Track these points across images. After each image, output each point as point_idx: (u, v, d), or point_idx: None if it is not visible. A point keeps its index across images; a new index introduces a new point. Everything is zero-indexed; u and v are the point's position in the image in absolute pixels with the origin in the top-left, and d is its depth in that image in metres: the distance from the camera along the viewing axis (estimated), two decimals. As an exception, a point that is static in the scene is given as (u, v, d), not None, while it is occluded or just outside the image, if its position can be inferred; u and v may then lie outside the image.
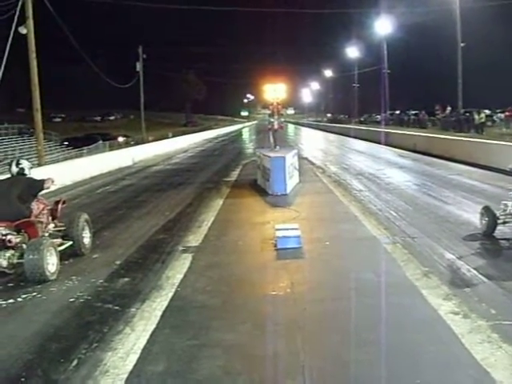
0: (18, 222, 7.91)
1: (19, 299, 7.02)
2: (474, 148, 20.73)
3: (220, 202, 13.68)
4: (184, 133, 63.35)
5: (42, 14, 23.24)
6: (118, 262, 8.60)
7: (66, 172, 20.89)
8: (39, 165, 21.55)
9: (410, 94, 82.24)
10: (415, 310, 5.81)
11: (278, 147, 16.76)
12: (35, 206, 8.37)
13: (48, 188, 8.71)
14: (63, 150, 41.48)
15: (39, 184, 8.50)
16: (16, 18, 20.23)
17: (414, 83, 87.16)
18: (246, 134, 68.93)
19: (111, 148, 39.48)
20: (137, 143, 42.80)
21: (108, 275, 7.91)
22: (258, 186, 15.89)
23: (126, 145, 45.30)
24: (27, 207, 8.14)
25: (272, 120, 17.61)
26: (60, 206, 9.17)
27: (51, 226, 8.79)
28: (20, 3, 20.50)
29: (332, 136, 54.93)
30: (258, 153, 17.73)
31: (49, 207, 8.86)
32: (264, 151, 16.49)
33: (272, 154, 14.96)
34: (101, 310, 6.42)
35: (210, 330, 5.50)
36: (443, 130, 37.59)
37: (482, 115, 37.83)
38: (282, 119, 19.43)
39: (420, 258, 7.74)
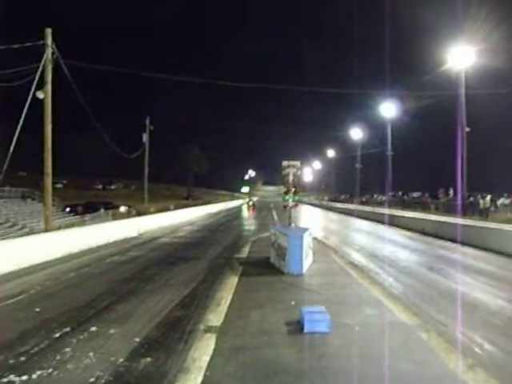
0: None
1: (34, 376, 6.65)
2: (487, 233, 20.51)
3: (235, 279, 13.23)
4: (186, 205, 63.32)
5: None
6: (136, 339, 8.20)
7: (72, 239, 20.55)
8: (46, 230, 21.13)
9: (412, 176, 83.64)
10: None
11: (293, 225, 16.47)
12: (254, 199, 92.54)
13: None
14: (64, 217, 41.37)
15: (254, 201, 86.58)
16: (35, 82, 20.49)
17: (416, 165, 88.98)
18: (247, 211, 68.58)
19: (114, 217, 39.27)
20: (139, 214, 42.53)
21: (128, 353, 7.50)
22: (271, 264, 15.42)
23: (128, 215, 45.13)
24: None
25: (287, 198, 17.43)
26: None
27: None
28: (40, 68, 20.85)
29: (335, 215, 54.79)
30: (273, 230, 17.24)
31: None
32: (280, 229, 16.09)
33: (290, 233, 14.54)
34: (126, 394, 5.98)
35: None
36: (446, 213, 37.64)
37: (487, 200, 38.04)
38: (297, 197, 19.20)
39: (460, 347, 7.34)
